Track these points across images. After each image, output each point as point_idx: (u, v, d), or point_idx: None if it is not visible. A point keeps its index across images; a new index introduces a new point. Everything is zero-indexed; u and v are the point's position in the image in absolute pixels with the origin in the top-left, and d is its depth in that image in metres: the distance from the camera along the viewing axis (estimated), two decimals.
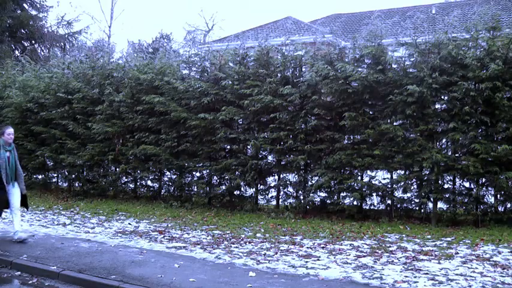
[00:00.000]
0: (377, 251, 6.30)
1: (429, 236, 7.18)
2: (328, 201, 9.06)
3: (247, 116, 9.65)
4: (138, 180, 11.52)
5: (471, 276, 5.11)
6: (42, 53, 24.66)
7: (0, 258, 6.01)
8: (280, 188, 9.68)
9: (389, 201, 8.80)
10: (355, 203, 8.82)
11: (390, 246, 6.53)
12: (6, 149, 6.76)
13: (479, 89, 7.81)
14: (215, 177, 10.27)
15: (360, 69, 8.69)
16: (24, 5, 24.90)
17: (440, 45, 8.29)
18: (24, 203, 7.06)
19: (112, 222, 8.48)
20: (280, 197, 9.78)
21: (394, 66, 8.67)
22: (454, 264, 5.61)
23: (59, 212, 9.47)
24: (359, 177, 8.93)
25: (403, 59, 8.71)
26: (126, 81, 11.01)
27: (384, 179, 8.83)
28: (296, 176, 9.49)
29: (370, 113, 8.90)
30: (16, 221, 6.86)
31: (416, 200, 8.63)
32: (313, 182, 9.16)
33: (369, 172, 8.94)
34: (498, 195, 8.16)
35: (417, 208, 8.68)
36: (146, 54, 12.84)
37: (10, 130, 6.85)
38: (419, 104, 8.20)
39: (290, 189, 9.63)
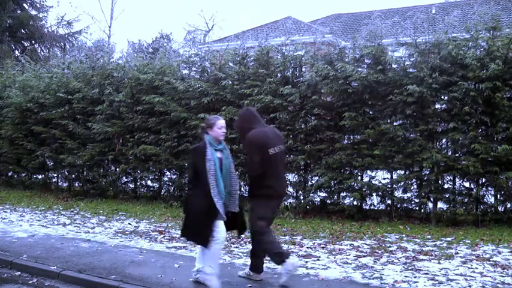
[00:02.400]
0: (377, 251, 6.30)
1: (429, 236, 7.18)
2: (328, 201, 9.06)
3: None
4: (138, 180, 11.52)
5: (471, 276, 5.11)
6: (42, 53, 24.67)
7: (0, 258, 6.01)
8: None
9: (389, 201, 8.80)
10: (355, 203, 8.82)
11: (390, 246, 6.53)
12: (216, 148, 4.83)
13: (479, 89, 7.80)
14: None
15: (360, 69, 8.69)
16: (24, 5, 24.92)
17: (440, 45, 8.29)
18: (235, 224, 5.02)
19: (112, 222, 8.48)
20: None
21: (394, 66, 8.66)
22: (454, 264, 5.61)
23: (59, 212, 9.47)
24: (359, 177, 8.93)
25: (403, 59, 8.70)
26: (126, 81, 11.01)
27: (384, 179, 8.83)
28: (296, 176, 9.49)
29: (370, 113, 8.90)
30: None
31: (416, 200, 8.62)
32: (313, 182, 9.16)
33: (369, 172, 8.94)
34: (498, 195, 8.15)
35: (417, 208, 8.68)
36: (146, 54, 12.83)
37: (222, 122, 4.87)
38: (419, 104, 8.21)
39: (290, 189, 9.63)
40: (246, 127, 4.90)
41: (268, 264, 5.60)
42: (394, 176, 8.70)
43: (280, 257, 4.75)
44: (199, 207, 4.65)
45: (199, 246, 4.90)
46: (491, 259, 5.83)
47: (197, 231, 4.70)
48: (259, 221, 4.83)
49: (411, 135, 8.40)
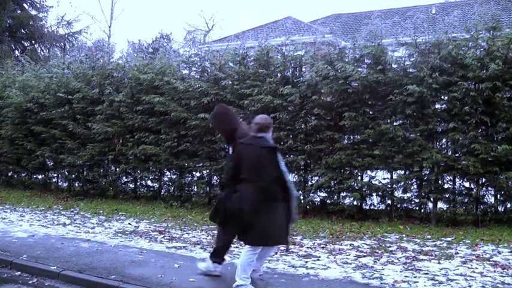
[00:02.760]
0: (377, 251, 6.30)
1: (429, 236, 7.18)
2: (328, 201, 9.06)
3: (247, 116, 9.64)
4: (138, 180, 11.52)
5: (471, 276, 5.11)
6: (42, 53, 24.67)
7: (0, 258, 6.01)
8: None
9: (389, 201, 8.80)
10: (355, 203, 8.82)
11: (390, 246, 6.53)
12: None
13: (479, 89, 7.81)
14: (215, 177, 10.26)
15: (360, 69, 8.69)
16: (24, 5, 24.91)
17: (440, 45, 8.30)
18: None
19: (112, 222, 8.48)
20: None
21: (394, 66, 8.66)
22: (454, 264, 5.61)
23: (59, 212, 9.47)
24: (359, 177, 8.92)
25: (403, 59, 8.70)
26: (126, 81, 11.01)
27: (384, 179, 8.83)
28: (296, 176, 9.48)
29: (370, 113, 8.90)
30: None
31: (416, 200, 8.63)
32: (313, 182, 9.16)
33: (369, 172, 8.93)
34: (498, 195, 8.16)
35: (417, 208, 8.68)
36: (146, 54, 12.83)
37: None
38: (419, 104, 8.21)
39: None
40: (229, 127, 5.10)
41: (268, 264, 5.61)
42: (394, 176, 8.70)
43: (217, 257, 5.13)
44: (284, 212, 4.56)
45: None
46: (491, 259, 5.83)
47: (284, 234, 4.63)
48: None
49: (411, 135, 8.40)
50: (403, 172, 8.68)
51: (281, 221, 4.55)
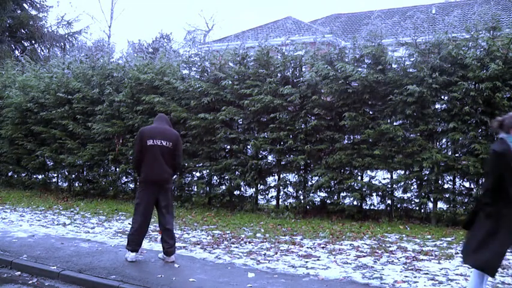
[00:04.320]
0: (377, 251, 6.30)
1: (429, 236, 7.18)
2: (328, 201, 9.06)
3: (247, 116, 9.65)
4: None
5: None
6: (42, 53, 24.65)
7: (0, 258, 6.01)
8: (280, 188, 9.68)
9: (389, 201, 8.80)
10: (355, 203, 8.82)
11: (390, 246, 6.53)
12: None
13: (479, 89, 7.81)
14: (215, 177, 10.26)
15: (360, 69, 8.68)
16: (24, 5, 24.89)
17: (440, 45, 8.30)
18: None
19: (112, 222, 8.48)
20: (280, 197, 9.78)
21: (394, 66, 8.67)
22: (454, 264, 5.61)
23: (59, 212, 9.47)
24: (359, 177, 8.93)
25: (403, 59, 8.70)
26: (126, 81, 11.00)
27: (384, 179, 8.83)
28: (296, 176, 9.48)
29: (370, 113, 8.90)
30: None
31: (416, 200, 8.62)
32: (313, 182, 9.16)
33: (369, 172, 8.94)
34: None
35: (417, 208, 8.68)
36: (146, 54, 12.82)
37: None
38: (419, 104, 8.21)
39: (290, 189, 9.63)
40: None
41: (268, 264, 5.61)
42: (394, 176, 8.70)
43: (129, 244, 5.71)
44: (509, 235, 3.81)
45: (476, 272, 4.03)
46: None
47: (495, 260, 3.86)
48: (136, 200, 5.73)
49: (411, 135, 8.40)
50: (403, 172, 8.68)
51: (502, 250, 3.83)
